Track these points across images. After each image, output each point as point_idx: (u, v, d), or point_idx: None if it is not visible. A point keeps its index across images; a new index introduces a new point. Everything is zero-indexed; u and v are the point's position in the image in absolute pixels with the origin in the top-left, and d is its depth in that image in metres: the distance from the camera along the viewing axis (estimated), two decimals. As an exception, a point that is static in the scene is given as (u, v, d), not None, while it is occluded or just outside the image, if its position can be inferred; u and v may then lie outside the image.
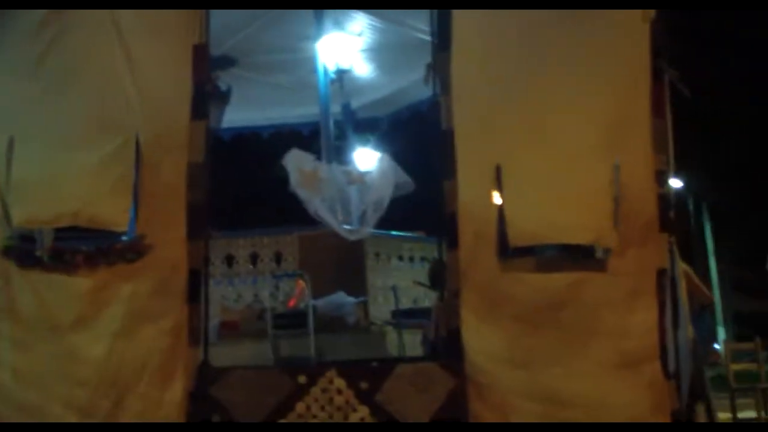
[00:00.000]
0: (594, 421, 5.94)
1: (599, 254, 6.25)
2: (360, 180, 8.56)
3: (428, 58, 6.65)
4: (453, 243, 6.29)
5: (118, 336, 6.04)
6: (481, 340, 6.12)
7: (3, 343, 6.05)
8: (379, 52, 11.28)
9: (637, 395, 6.09)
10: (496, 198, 6.27)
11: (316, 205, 8.28)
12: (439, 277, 6.64)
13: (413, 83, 11.52)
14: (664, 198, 6.32)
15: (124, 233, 6.36)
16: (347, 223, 8.68)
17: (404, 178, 8.41)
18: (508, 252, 6.20)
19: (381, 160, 8.75)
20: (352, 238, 8.50)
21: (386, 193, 8.37)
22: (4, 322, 6.08)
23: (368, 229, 8.60)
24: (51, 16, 6.36)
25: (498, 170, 6.24)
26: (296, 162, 8.31)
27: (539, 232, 6.25)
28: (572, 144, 6.28)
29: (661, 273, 6.22)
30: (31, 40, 6.37)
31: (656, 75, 6.39)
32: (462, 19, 6.49)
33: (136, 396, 6.01)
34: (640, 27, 6.41)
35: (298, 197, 8.26)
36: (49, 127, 6.27)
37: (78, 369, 6.00)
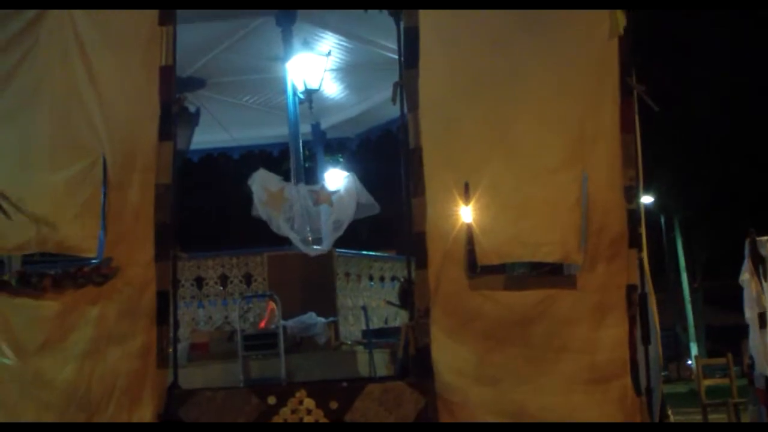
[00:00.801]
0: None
1: (568, 271, 6.28)
2: (327, 200, 8.59)
3: (394, 78, 6.65)
4: (422, 262, 6.29)
5: (86, 358, 6.00)
6: (450, 357, 6.12)
7: (-32, 365, 5.99)
8: (347, 72, 11.32)
9: (607, 411, 6.09)
10: (465, 215, 6.27)
11: (279, 223, 8.30)
12: (409, 296, 6.63)
13: (382, 103, 11.55)
14: (633, 213, 6.34)
15: (91, 257, 6.34)
16: (316, 242, 8.69)
17: (369, 199, 8.45)
18: (476, 270, 6.20)
19: (347, 179, 8.78)
20: (313, 253, 8.51)
21: (349, 213, 8.40)
22: (-30, 345, 6.01)
23: (328, 246, 8.63)
24: (17, 38, 6.33)
25: (466, 187, 6.25)
26: (262, 182, 8.33)
27: (507, 250, 6.27)
28: (540, 159, 6.32)
29: (630, 288, 6.23)
30: (-2, 59, 6.34)
31: (625, 90, 6.42)
32: (429, 35, 6.50)
33: (105, 418, 5.97)
34: (608, 42, 6.44)
35: (261, 217, 8.29)
36: (14, 148, 6.24)
37: (45, 392, 5.96)
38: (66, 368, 5.98)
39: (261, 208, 8.17)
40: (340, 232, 8.45)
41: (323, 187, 8.98)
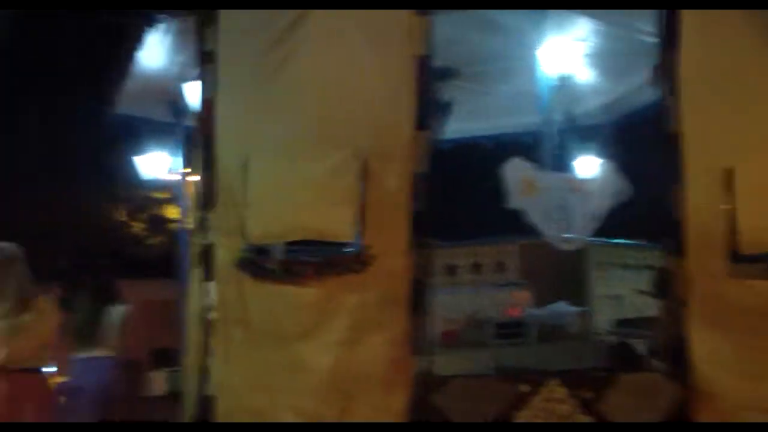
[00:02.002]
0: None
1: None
2: (581, 188, 8.47)
3: (652, 61, 6.50)
4: (679, 250, 6.12)
5: (345, 346, 6.16)
6: (708, 349, 5.92)
7: (237, 350, 6.29)
8: (601, 57, 11.12)
9: None
10: (726, 203, 6.06)
11: (534, 214, 8.25)
12: (665, 285, 6.47)
13: (637, 88, 11.32)
14: None
15: (350, 244, 6.53)
16: (569, 232, 8.60)
17: (623, 188, 8.27)
18: (738, 259, 5.97)
19: (602, 167, 8.63)
20: (567, 248, 8.42)
21: (604, 203, 8.25)
22: (237, 331, 6.31)
23: (583, 239, 8.50)
24: (284, 35, 6.59)
25: (728, 174, 6.02)
26: (516, 171, 8.30)
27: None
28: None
29: None
30: (264, 58, 6.61)
31: None
32: (689, 18, 6.31)
33: (362, 405, 6.12)
34: None
35: (517, 207, 8.26)
36: (279, 141, 6.48)
37: (306, 378, 6.15)
38: (325, 355, 6.15)
39: (515, 198, 8.16)
40: (595, 224, 8.32)
41: (577, 176, 8.88)
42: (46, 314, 6.86)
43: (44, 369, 6.89)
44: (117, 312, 7.79)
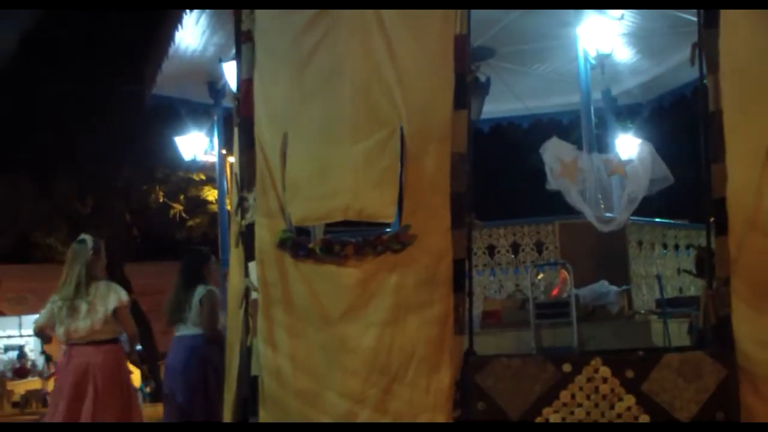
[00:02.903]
0: None
1: None
2: (621, 169, 8.43)
3: (691, 40, 6.43)
4: (722, 229, 6.07)
5: (386, 325, 6.18)
6: (753, 328, 5.87)
7: (280, 331, 6.33)
8: (640, 36, 11.06)
9: None
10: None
11: (573, 195, 8.22)
12: (707, 264, 6.43)
13: (676, 67, 11.28)
14: None
15: (390, 224, 6.55)
16: (608, 212, 8.57)
17: (664, 170, 8.21)
18: (782, 238, 5.91)
19: (641, 146, 8.57)
20: (606, 229, 8.39)
21: (643, 184, 8.20)
22: (280, 312, 6.36)
23: (622, 221, 8.47)
24: (318, 17, 6.61)
25: (768, 152, 5.96)
26: (555, 151, 8.27)
27: (816, 217, 5.92)
28: None
29: None
30: (299, 40, 6.63)
31: None
32: (729, -4, 6.23)
33: (405, 384, 6.14)
34: None
35: (556, 188, 8.24)
36: (318, 122, 6.50)
37: (349, 358, 6.18)
38: (367, 335, 6.18)
39: (554, 178, 8.13)
40: (635, 205, 8.28)
41: (617, 157, 8.82)
42: (103, 296, 7.29)
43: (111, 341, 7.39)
44: (201, 292, 8.04)
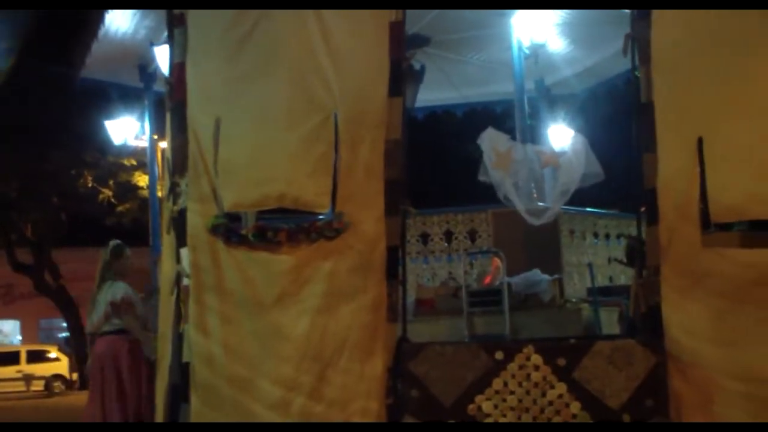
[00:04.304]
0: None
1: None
2: (554, 162, 8.50)
3: (625, 31, 6.48)
4: (653, 218, 6.13)
5: (320, 312, 6.14)
6: (682, 317, 5.95)
7: (213, 317, 6.25)
8: (574, 26, 11.13)
9: None
10: (698, 172, 6.07)
11: (507, 187, 8.28)
12: (637, 253, 6.51)
13: (608, 57, 11.36)
14: None
15: (324, 213, 6.51)
16: (540, 201, 8.64)
17: (596, 166, 8.31)
18: (710, 227, 6.00)
19: (575, 139, 8.65)
20: (537, 222, 8.47)
21: (575, 177, 8.29)
22: (212, 298, 6.27)
23: (553, 213, 8.56)
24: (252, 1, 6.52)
25: (700, 143, 6.03)
26: (491, 142, 8.31)
27: (743, 207, 5.99)
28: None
29: None
30: (234, 24, 6.54)
31: None
32: (661, -11, 6.29)
33: (338, 371, 6.11)
34: None
35: (488, 180, 8.29)
36: (252, 108, 6.42)
37: (282, 345, 6.13)
38: (301, 322, 6.13)
39: (490, 170, 8.17)
40: (567, 197, 8.36)
41: (550, 148, 8.90)
42: (105, 295, 8.19)
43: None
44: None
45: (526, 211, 8.43)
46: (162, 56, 10.51)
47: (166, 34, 7.18)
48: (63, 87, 13.08)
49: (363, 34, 6.41)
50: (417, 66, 10.65)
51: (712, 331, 5.86)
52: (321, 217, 6.46)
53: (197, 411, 6.17)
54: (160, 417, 6.72)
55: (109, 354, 8.07)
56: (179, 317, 6.33)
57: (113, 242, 8.46)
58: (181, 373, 6.25)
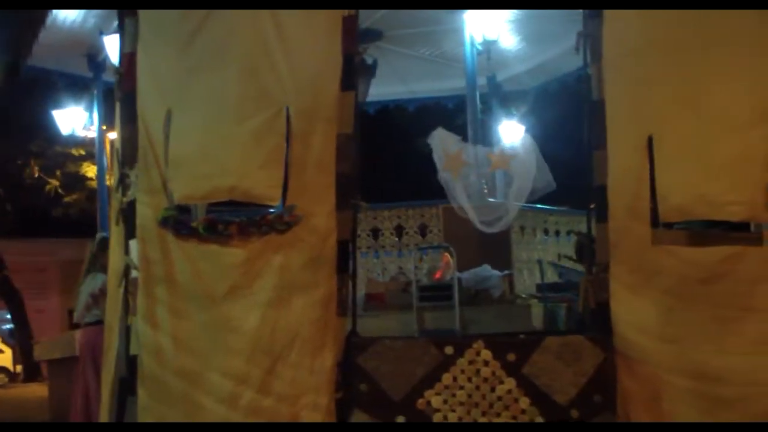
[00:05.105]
0: (746, 399, 5.79)
1: (754, 228, 6.06)
2: (505, 164, 8.54)
3: (577, 28, 6.52)
4: (602, 215, 6.19)
5: (271, 306, 6.10)
6: (630, 313, 6.02)
7: (162, 310, 6.19)
8: (526, 23, 11.18)
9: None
10: (648, 170, 6.12)
11: (458, 193, 8.32)
12: (587, 250, 6.56)
13: (560, 55, 11.44)
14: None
15: (275, 206, 6.47)
16: (492, 197, 8.67)
17: (546, 175, 8.38)
18: (659, 225, 6.05)
19: (525, 140, 8.69)
20: (489, 230, 8.53)
21: (528, 184, 8.35)
22: (162, 290, 6.21)
23: (506, 223, 8.62)
24: (203, -8, 6.46)
25: (650, 142, 6.09)
26: (441, 142, 8.33)
27: (691, 207, 6.06)
28: (729, 116, 6.04)
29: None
30: (185, 14, 6.46)
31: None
32: (612, -13, 6.33)
33: (288, 365, 6.08)
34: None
35: (441, 181, 8.31)
36: (204, 99, 6.36)
37: (232, 338, 6.08)
38: (251, 315, 6.09)
39: (440, 171, 8.21)
40: (521, 202, 8.42)
41: (500, 150, 8.92)
42: (86, 287, 8.48)
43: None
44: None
45: (480, 222, 8.50)
46: (112, 46, 10.39)
47: (116, 23, 7.09)
48: (8, 74, 12.86)
49: (315, 28, 6.38)
50: (369, 60, 10.64)
51: (660, 328, 5.93)
52: (272, 210, 6.42)
53: (144, 404, 6.11)
54: (105, 410, 6.65)
55: (89, 344, 8.25)
56: (127, 309, 6.27)
57: (100, 235, 8.64)
58: (129, 365, 6.19)
